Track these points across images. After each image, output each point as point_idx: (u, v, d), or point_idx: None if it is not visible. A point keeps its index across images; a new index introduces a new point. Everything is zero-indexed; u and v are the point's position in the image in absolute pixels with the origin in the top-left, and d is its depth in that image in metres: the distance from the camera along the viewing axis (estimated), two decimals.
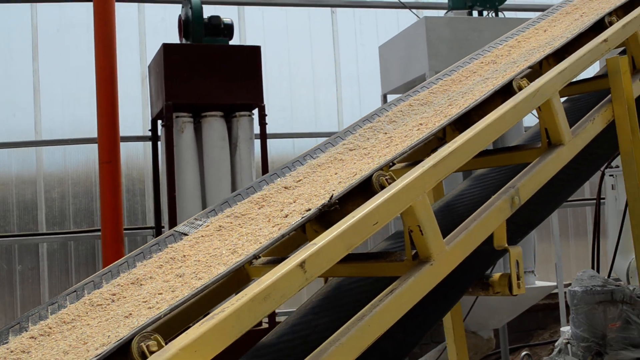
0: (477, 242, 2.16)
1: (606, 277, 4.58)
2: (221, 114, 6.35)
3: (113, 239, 6.72)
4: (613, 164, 5.07)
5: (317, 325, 2.30)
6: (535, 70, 2.82)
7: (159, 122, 6.83)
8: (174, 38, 7.03)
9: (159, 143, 7.00)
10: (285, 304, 1.71)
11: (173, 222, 6.10)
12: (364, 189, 2.07)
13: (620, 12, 3.26)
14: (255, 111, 6.55)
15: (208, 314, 1.84)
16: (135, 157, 8.28)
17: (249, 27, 8.61)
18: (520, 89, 2.49)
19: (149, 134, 7.35)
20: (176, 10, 7.27)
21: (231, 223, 2.34)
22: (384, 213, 1.89)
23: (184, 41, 6.80)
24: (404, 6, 7.97)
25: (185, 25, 6.74)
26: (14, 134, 7.91)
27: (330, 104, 8.94)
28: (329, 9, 9.00)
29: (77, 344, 1.83)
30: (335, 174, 2.38)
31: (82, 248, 7.92)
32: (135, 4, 8.21)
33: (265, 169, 6.54)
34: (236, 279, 2.44)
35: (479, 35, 6.62)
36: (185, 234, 2.40)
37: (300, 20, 8.86)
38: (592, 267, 5.21)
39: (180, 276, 2.03)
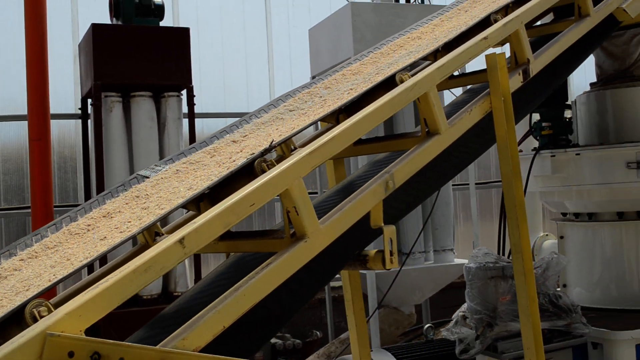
0: (351, 221, 2.41)
1: (501, 255, 4.92)
2: (150, 94, 6.49)
3: (43, 216, 6.80)
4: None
5: (214, 294, 2.53)
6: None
7: (89, 101, 6.94)
8: (108, 15, 7.12)
9: (89, 121, 7.11)
10: None
11: None
12: (249, 174, 2.31)
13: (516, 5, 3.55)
14: (185, 92, 6.71)
15: None
16: (67, 134, 8.36)
17: (183, 8, 8.73)
18: (402, 81, 2.75)
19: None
20: None
21: (187, 168, 2.66)
22: (261, 195, 2.13)
23: (114, 21, 6.89)
24: None
25: (115, 5, 6.83)
26: None
27: (262, 84, 9.14)
28: None
29: (62, 260, 2.16)
30: (277, 129, 2.71)
31: (12, 225, 7.99)
32: None
33: None
34: None
35: (403, 22, 6.88)
36: (147, 177, 2.70)
37: (233, 1, 9.01)
38: (498, 246, 5.53)
39: (145, 209, 2.33)
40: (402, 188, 2.64)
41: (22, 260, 2.34)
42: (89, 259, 2.07)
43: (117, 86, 6.40)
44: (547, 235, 7.36)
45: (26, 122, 7.00)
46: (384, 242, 2.51)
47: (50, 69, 6.91)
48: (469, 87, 3.81)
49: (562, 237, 5.22)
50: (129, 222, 2.26)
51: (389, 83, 2.83)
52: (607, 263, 4.97)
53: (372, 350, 4.63)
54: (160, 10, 6.98)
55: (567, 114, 5.36)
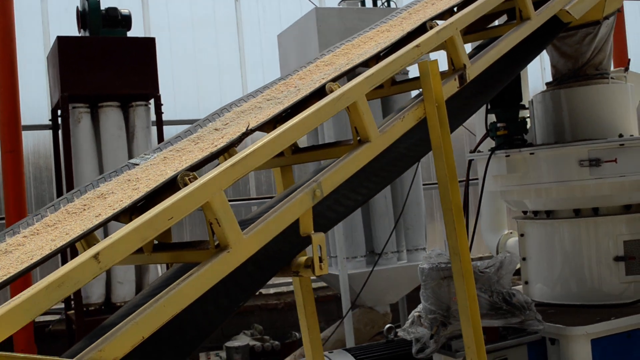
0: (277, 230, 2.47)
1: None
2: (118, 104, 6.56)
3: None
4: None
5: None
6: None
7: (59, 112, 7.00)
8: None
9: (60, 132, 7.17)
10: None
11: None
12: (173, 188, 2.36)
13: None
14: (152, 100, 6.78)
15: None
16: (42, 145, 8.41)
17: (154, 16, 8.78)
18: (331, 90, 2.81)
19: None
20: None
21: (173, 155, 2.88)
22: (181, 209, 2.19)
23: (82, 32, 6.95)
24: None
25: (82, 17, 6.89)
26: None
27: (235, 89, 9.20)
28: None
29: (61, 235, 2.37)
30: (255, 117, 2.93)
31: None
32: None
33: None
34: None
35: (368, 25, 6.96)
36: (137, 164, 2.94)
37: (204, 8, 9.07)
38: None
39: (135, 189, 2.56)
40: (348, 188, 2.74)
41: (24, 237, 2.56)
42: (85, 231, 2.30)
43: (84, 97, 6.46)
44: (511, 233, 7.44)
45: None
46: (313, 249, 2.57)
47: (24, 81, 6.98)
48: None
49: (522, 235, 5.28)
50: (121, 200, 2.47)
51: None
52: (566, 259, 5.04)
53: (332, 352, 4.70)
54: (127, 21, 7.05)
55: (525, 113, 5.44)
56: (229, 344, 8.16)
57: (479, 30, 4.39)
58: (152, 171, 2.74)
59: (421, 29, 3.48)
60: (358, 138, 2.87)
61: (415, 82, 3.23)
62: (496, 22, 5.21)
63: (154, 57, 6.71)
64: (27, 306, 1.85)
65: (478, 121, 7.20)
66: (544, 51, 5.01)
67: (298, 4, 9.38)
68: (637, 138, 4.77)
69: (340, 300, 7.27)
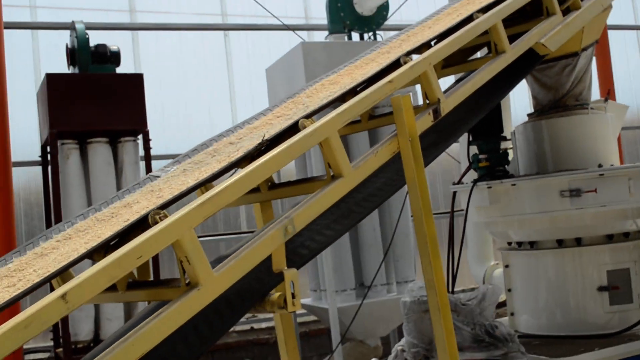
0: (249, 267, 2.49)
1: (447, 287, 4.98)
2: (106, 139, 6.61)
3: None
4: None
5: None
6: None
7: (48, 148, 7.03)
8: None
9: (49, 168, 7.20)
10: None
11: None
12: (143, 226, 2.39)
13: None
14: (141, 136, 6.82)
15: None
16: (33, 181, 8.45)
17: (143, 51, 8.87)
18: (304, 126, 2.85)
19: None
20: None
21: (192, 167, 3.04)
22: (150, 247, 2.21)
23: (71, 69, 7.02)
24: (287, 28, 8.34)
25: (71, 54, 6.97)
26: None
27: (226, 123, 9.25)
28: (221, 32, 9.33)
29: (94, 238, 2.51)
30: (267, 132, 3.08)
31: None
32: (29, 31, 8.39)
33: None
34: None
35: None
36: (158, 176, 3.10)
37: (194, 43, 9.16)
38: (447, 275, 5.59)
39: (159, 197, 2.69)
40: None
41: (58, 241, 2.70)
42: (115, 233, 2.45)
43: (73, 133, 6.51)
44: (497, 264, 7.45)
45: None
46: (286, 285, 2.59)
47: (16, 118, 7.05)
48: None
49: (507, 266, 5.29)
50: (147, 207, 2.58)
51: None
52: (550, 290, 5.04)
53: None
54: (116, 57, 7.12)
55: (508, 144, 5.48)
56: None
57: (461, 62, 4.46)
58: (173, 182, 2.90)
59: (397, 64, 3.54)
60: (332, 174, 2.90)
61: (391, 116, 3.26)
62: (478, 54, 5.30)
63: (142, 93, 6.78)
64: None
65: (462, 152, 7.25)
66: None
67: (286, 38, 9.48)
68: (616, 168, 4.81)
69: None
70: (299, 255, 2.91)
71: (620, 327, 4.81)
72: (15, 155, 7.57)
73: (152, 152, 6.87)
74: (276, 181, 3.28)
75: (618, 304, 4.86)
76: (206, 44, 9.27)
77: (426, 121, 3.34)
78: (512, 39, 4.19)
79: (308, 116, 3.05)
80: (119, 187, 6.67)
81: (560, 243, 5.02)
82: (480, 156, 5.11)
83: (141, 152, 6.84)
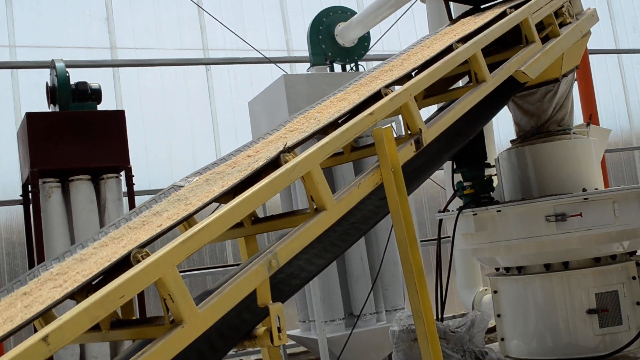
0: (233, 303, 2.49)
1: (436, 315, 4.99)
2: (88, 177, 6.59)
3: None
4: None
5: None
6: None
7: (30, 187, 7.02)
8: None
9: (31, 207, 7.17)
10: None
11: None
12: (128, 264, 2.39)
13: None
14: (123, 172, 6.82)
15: None
16: (15, 220, 8.42)
17: (125, 87, 8.90)
18: (286, 161, 2.87)
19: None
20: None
21: (214, 177, 3.20)
22: (132, 287, 2.21)
23: (52, 107, 7.03)
24: (269, 61, 8.41)
25: (52, 92, 6.98)
26: None
27: (209, 156, 9.28)
28: (203, 66, 9.38)
29: (130, 242, 2.62)
30: (284, 144, 3.13)
31: None
32: (9, 70, 8.41)
33: None
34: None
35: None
36: (182, 186, 3.26)
37: (175, 78, 9.21)
38: (436, 301, 5.58)
39: (188, 204, 2.86)
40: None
41: (95, 248, 2.86)
42: (153, 236, 2.57)
43: (54, 171, 6.50)
44: (486, 290, 7.47)
45: None
46: (271, 320, 2.59)
47: None
48: None
49: (495, 292, 5.31)
50: (177, 214, 2.75)
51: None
52: (540, 314, 5.06)
53: None
54: (97, 95, 7.13)
55: (492, 171, 5.52)
56: None
57: (442, 91, 4.52)
58: (198, 191, 3.03)
59: (378, 95, 3.58)
60: (315, 207, 2.92)
61: (374, 147, 3.29)
62: (460, 83, 5.36)
63: (123, 129, 6.79)
64: None
65: (447, 180, 7.31)
66: None
67: (269, 70, 9.55)
68: (600, 192, 4.86)
69: None
70: (281, 290, 2.92)
71: (611, 349, 4.83)
72: None
73: (135, 188, 6.86)
74: (262, 212, 3.32)
75: (608, 326, 4.89)
76: (188, 78, 9.32)
77: (408, 152, 3.38)
78: (493, 67, 4.26)
79: (323, 131, 3.30)
80: (102, 225, 6.64)
81: (548, 267, 5.05)
82: (465, 183, 5.16)
83: (124, 189, 6.83)
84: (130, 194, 6.82)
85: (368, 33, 8.59)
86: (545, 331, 5.07)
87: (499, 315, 5.25)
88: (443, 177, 8.60)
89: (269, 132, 3.76)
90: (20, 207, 8.30)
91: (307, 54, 8.40)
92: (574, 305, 4.95)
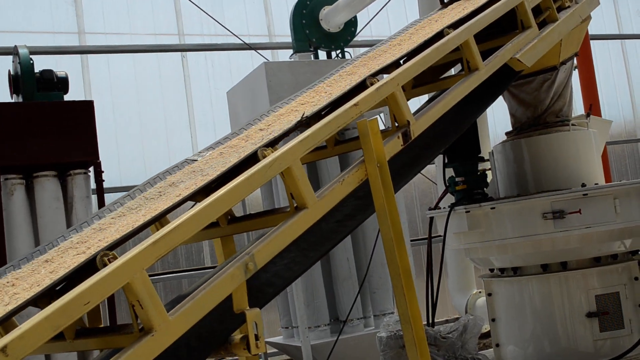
0: (207, 309, 2.48)
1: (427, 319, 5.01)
2: (54, 173, 6.52)
3: None
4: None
5: None
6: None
7: None
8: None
9: None
10: None
11: None
12: (92, 268, 2.38)
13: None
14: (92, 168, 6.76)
15: None
16: None
17: (94, 77, 8.84)
18: (264, 156, 2.86)
19: None
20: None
21: (228, 150, 3.36)
22: (98, 292, 2.20)
23: (15, 98, 6.96)
24: (249, 48, 8.38)
25: (15, 81, 6.90)
26: None
27: (185, 150, 9.25)
28: (179, 53, 9.34)
29: (150, 211, 2.78)
30: (295, 117, 3.43)
31: None
32: None
33: None
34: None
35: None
36: (196, 160, 3.42)
37: (149, 66, 9.16)
38: (427, 304, 5.59)
39: (205, 175, 2.99)
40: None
41: (112, 218, 2.99)
42: (172, 204, 2.74)
43: (17, 167, 6.43)
44: (479, 292, 7.50)
45: None
46: (248, 327, 2.59)
47: None
48: None
49: (490, 295, 5.33)
50: (195, 184, 2.89)
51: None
52: (537, 318, 5.09)
53: None
54: (64, 84, 7.05)
55: (486, 165, 5.54)
56: None
57: (432, 80, 4.52)
58: (213, 163, 3.18)
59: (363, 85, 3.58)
60: (295, 205, 2.91)
61: (358, 141, 3.29)
62: (452, 71, 5.36)
63: (92, 121, 6.72)
64: None
65: (438, 175, 7.32)
66: None
67: (249, 58, 9.52)
68: (600, 187, 4.88)
69: None
70: (261, 293, 2.92)
71: (612, 354, 4.87)
72: None
73: (105, 185, 6.81)
74: (242, 210, 3.34)
75: (609, 330, 4.93)
76: (162, 66, 9.27)
77: (395, 145, 3.38)
78: (487, 54, 4.26)
79: (337, 101, 3.50)
80: (69, 225, 6.58)
81: (545, 268, 5.08)
82: (457, 179, 5.17)
83: (93, 186, 6.78)
84: (100, 191, 6.77)
85: (355, 17, 8.58)
86: (543, 336, 5.10)
87: (493, 320, 5.27)
88: (434, 171, 8.62)
89: (278, 105, 3.96)
90: None
91: (289, 39, 8.39)
92: (572, 308, 4.98)
